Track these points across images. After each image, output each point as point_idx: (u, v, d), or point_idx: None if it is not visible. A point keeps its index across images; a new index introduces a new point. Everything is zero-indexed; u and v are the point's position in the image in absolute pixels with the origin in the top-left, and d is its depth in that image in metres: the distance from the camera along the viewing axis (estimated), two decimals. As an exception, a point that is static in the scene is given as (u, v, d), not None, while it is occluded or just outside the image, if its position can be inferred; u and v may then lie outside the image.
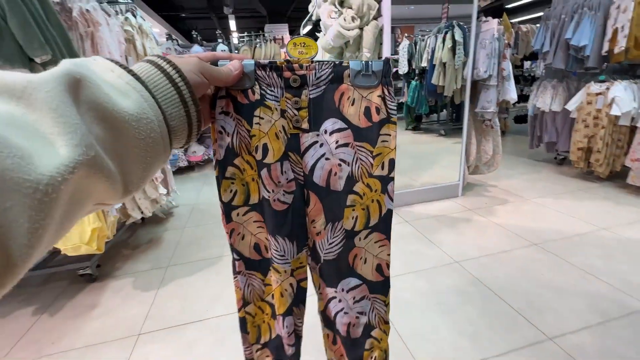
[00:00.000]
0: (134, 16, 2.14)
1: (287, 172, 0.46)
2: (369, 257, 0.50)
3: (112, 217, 1.64)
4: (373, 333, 0.54)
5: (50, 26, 1.29)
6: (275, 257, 0.48)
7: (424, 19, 4.39)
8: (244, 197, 0.47)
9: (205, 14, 8.98)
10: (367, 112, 0.44)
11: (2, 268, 0.18)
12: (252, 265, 0.51)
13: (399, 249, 1.91)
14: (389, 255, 0.50)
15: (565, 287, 1.49)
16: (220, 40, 3.86)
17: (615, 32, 2.46)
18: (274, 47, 4.17)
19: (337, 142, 0.45)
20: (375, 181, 0.46)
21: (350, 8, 2.05)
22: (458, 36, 2.79)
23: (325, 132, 0.45)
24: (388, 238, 0.49)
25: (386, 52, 2.16)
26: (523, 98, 5.18)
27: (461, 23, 2.66)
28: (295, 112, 0.44)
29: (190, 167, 4.34)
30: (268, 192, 0.46)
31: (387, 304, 0.54)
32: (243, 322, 0.54)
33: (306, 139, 0.45)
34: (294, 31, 10.86)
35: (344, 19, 2.03)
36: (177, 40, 3.79)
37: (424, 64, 4.24)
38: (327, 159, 0.45)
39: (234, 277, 0.52)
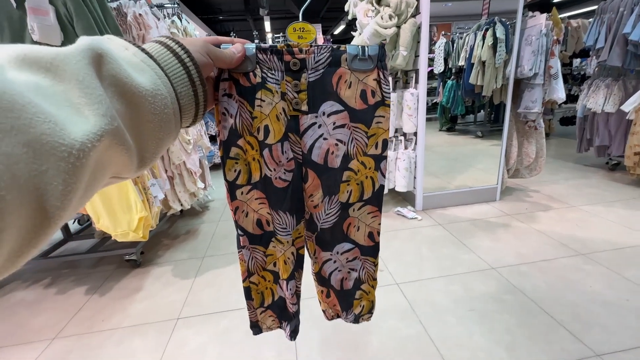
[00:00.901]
0: (180, 19, 2.27)
1: (287, 151, 0.48)
2: (361, 225, 0.55)
3: (156, 208, 1.75)
4: (362, 287, 0.61)
5: (109, 29, 1.41)
6: (278, 230, 0.53)
7: (462, 16, 4.21)
8: (247, 176, 0.50)
9: (241, 16, 9.26)
10: (364, 95, 0.47)
11: (39, 228, 0.18)
12: (255, 239, 0.55)
13: (431, 251, 1.86)
14: (379, 224, 0.56)
15: (616, 302, 1.38)
16: (256, 40, 3.98)
17: (683, 25, 2.22)
18: (308, 47, 4.22)
19: (334, 123, 0.48)
20: (369, 159, 0.50)
21: (388, 6, 2.03)
22: (500, 33, 2.66)
23: (323, 114, 0.47)
24: (380, 210, 0.55)
25: (424, 50, 2.11)
26: (571, 98, 4.83)
27: (503, 19, 2.54)
28: (295, 94, 0.46)
29: (225, 164, 4.49)
30: (270, 170, 0.49)
31: (375, 265, 0.60)
32: (248, 291, 0.59)
33: (305, 120, 0.47)
34: (327, 31, 10.90)
35: (381, 17, 2.01)
36: (216, 42, 3.94)
37: (462, 62, 4.09)
38: (324, 139, 0.48)
39: (239, 251, 0.56)
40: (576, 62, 5.14)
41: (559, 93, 2.28)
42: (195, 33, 2.47)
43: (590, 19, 3.04)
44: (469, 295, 1.48)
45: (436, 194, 2.46)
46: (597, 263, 1.65)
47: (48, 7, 1.20)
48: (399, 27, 2.05)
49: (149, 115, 0.27)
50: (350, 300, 0.62)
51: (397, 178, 2.39)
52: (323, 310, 0.67)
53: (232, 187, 0.50)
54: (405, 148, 2.39)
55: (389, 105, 0.48)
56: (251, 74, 0.44)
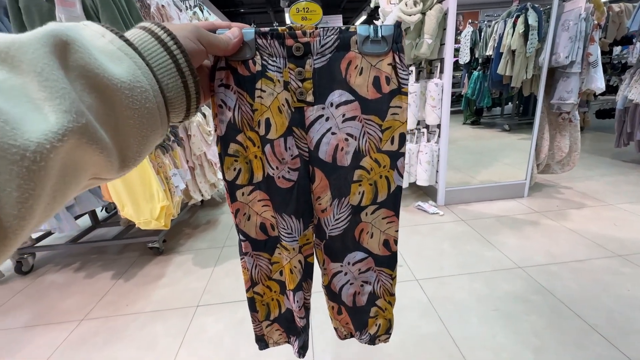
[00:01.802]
0: (202, 11, 2.28)
1: (291, 148, 0.43)
2: (375, 232, 0.48)
3: (178, 198, 1.79)
4: (378, 302, 0.54)
5: (133, 21, 1.42)
6: (283, 235, 0.47)
7: (490, 4, 4.02)
8: (248, 176, 0.45)
9: (262, 9, 9.27)
10: (377, 82, 0.40)
11: None
12: (258, 245, 0.50)
13: (452, 247, 1.80)
14: (397, 231, 0.49)
15: (658, 308, 1.28)
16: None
17: None
18: (328, 38, 4.16)
19: (343, 115, 0.42)
20: (384, 156, 0.44)
21: (413, -8, 1.94)
22: (532, 20, 2.50)
23: (331, 105, 0.41)
24: (397, 215, 0.48)
25: (450, 38, 2.02)
26: (609, 89, 4.51)
27: (536, 5, 2.38)
28: (299, 83, 0.40)
29: (244, 156, 4.55)
30: (272, 169, 0.44)
31: (393, 278, 0.53)
32: (252, 302, 0.54)
33: (311, 112, 0.42)
34: (348, 22, 10.74)
35: (405, 4, 1.93)
36: (237, 34, 3.96)
37: (489, 52, 3.90)
38: (333, 133, 0.42)
39: (241, 259, 0.51)
40: (616, 50, 4.78)
41: (598, 82, 2.12)
42: (216, 24, 2.48)
43: (635, 3, 2.80)
44: (492, 294, 1.42)
45: (459, 188, 2.37)
46: (636, 265, 1.54)
47: (75, -1, 1.23)
48: (423, 13, 1.97)
49: (126, 110, 0.24)
50: (364, 318, 0.56)
51: (418, 172, 2.32)
52: (335, 328, 0.60)
53: (231, 188, 0.45)
54: (428, 141, 2.31)
55: (406, 94, 0.41)
56: (250, 61, 0.39)
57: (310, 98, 0.41)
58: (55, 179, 0.19)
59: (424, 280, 1.54)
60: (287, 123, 0.42)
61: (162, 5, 1.74)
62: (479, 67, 4.35)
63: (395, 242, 0.50)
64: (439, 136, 2.25)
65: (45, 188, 0.18)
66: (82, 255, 2.07)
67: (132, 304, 1.55)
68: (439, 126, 2.23)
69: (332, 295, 0.55)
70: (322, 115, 0.42)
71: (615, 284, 1.43)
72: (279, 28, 0.39)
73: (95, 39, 0.24)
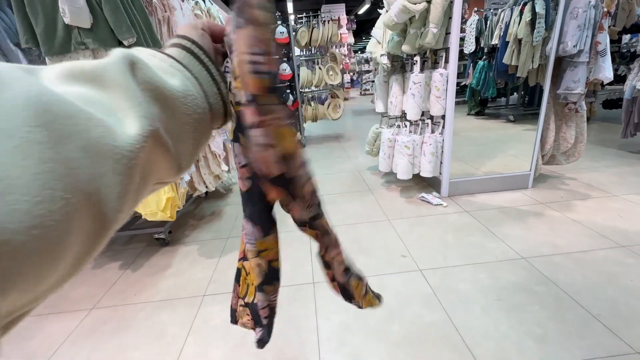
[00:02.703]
0: (204, 1, 2.25)
1: (238, 155, 0.38)
2: None
3: (182, 189, 1.80)
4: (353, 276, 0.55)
5: (135, 11, 1.41)
6: (245, 234, 0.44)
7: (497, -9, 3.94)
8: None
9: (264, -2, 9.13)
10: None
11: (99, 231, 0.19)
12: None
13: (456, 238, 1.81)
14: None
15: (661, 298, 1.29)
16: (279, 22, 3.91)
17: None
18: (332, 28, 4.09)
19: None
20: None
21: (418, -20, 1.91)
22: (539, 8, 2.45)
23: None
24: None
25: (455, 27, 1.98)
26: (616, 79, 4.43)
27: (544, -8, 2.33)
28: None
29: (247, 148, 4.56)
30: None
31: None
32: (238, 273, 0.52)
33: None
34: (350, 11, 10.55)
35: (411, -8, 1.89)
36: (238, 24, 3.92)
37: (495, 41, 3.83)
38: None
39: (242, 231, 0.48)
40: (625, 38, 4.69)
41: (606, 72, 2.08)
42: (219, 15, 2.45)
43: (647, -11, 2.72)
44: (496, 285, 1.43)
45: (463, 180, 2.37)
46: (640, 256, 1.54)
47: (77, -10, 1.22)
48: (429, 2, 1.93)
49: (183, 116, 0.28)
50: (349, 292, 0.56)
51: (422, 163, 2.32)
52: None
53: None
54: (432, 132, 2.30)
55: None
56: None
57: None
58: (140, 177, 0.22)
59: (427, 270, 1.56)
60: (234, 127, 0.37)
61: (164, -5, 1.73)
62: (484, 57, 4.29)
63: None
64: (443, 127, 2.24)
65: (135, 185, 0.21)
66: (90, 246, 2.10)
67: (139, 293, 1.58)
68: (443, 117, 2.22)
69: (327, 264, 0.54)
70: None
71: (619, 274, 1.43)
72: None
73: (149, 59, 0.28)
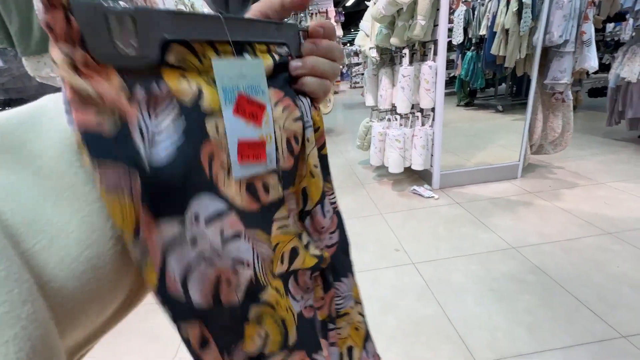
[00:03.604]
0: (187, -5, 2.18)
1: None
2: None
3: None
4: None
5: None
6: None
7: (484, -19, 3.93)
8: None
9: (249, -10, 8.96)
10: None
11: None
12: None
13: (448, 231, 1.83)
14: None
15: (645, 283, 1.33)
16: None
17: None
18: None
19: None
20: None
21: (405, -29, 1.89)
22: (527, -3, 2.46)
23: None
24: None
25: (443, 19, 1.98)
26: (602, 67, 4.51)
27: (531, -18, 2.33)
28: None
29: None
30: None
31: None
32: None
33: None
34: (339, 3, 10.44)
35: (398, -16, 1.87)
36: (224, 18, 3.84)
37: (483, 31, 3.84)
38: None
39: None
40: (609, 27, 4.76)
41: (591, 61, 2.11)
42: (204, 10, 2.39)
43: (630, -23, 2.75)
44: (488, 276, 1.45)
45: (454, 172, 2.39)
46: (626, 242, 1.58)
47: (52, -14, 1.17)
48: (417, -6, 1.92)
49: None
50: None
51: (413, 156, 2.32)
52: None
53: None
54: (422, 125, 2.30)
55: None
56: None
57: None
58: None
59: (420, 263, 1.57)
60: None
61: (145, -9, 1.67)
62: (472, 48, 4.30)
63: None
64: (433, 119, 2.24)
65: None
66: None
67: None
68: (433, 109, 2.22)
69: None
70: None
71: (605, 261, 1.47)
72: None
73: None
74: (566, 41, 2.06)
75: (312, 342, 0.30)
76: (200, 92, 0.20)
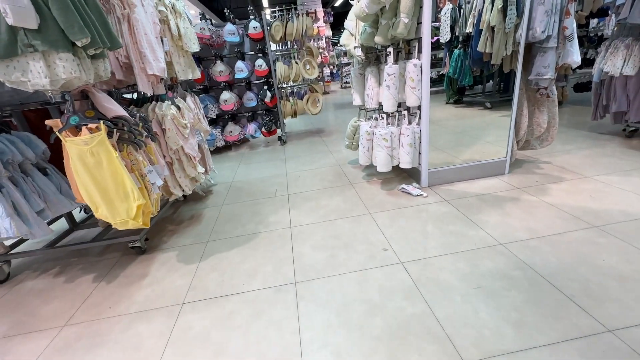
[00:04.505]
0: (167, -4, 2.15)
1: None
2: None
3: (156, 195, 1.73)
4: None
5: (88, 9, 1.32)
6: None
7: (470, -21, 3.95)
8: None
9: (237, -8, 8.89)
10: None
11: None
12: None
13: (436, 228, 1.82)
14: None
15: (631, 275, 1.33)
16: (252, 17, 3.80)
17: None
18: (306, 21, 4.02)
19: None
20: None
21: (387, -31, 1.88)
22: (510, -6, 2.47)
23: None
24: None
25: (426, 16, 1.97)
26: (586, 62, 4.56)
27: (514, -22, 2.34)
28: None
29: (228, 147, 4.46)
30: None
31: None
32: None
33: None
34: (327, 3, 10.43)
35: (380, -18, 1.86)
36: (210, 20, 3.79)
37: (469, 29, 3.86)
38: None
39: None
40: (593, 22, 4.82)
41: (574, 56, 2.12)
42: (184, 11, 2.35)
43: (610, -27, 2.78)
44: (475, 273, 1.44)
45: (442, 169, 2.38)
46: (611, 235, 1.59)
47: (20, -12, 1.13)
48: (399, -9, 1.91)
49: None
50: None
51: (401, 155, 2.31)
52: None
53: None
54: (409, 123, 2.30)
55: None
56: None
57: None
58: None
59: (408, 262, 1.56)
60: None
61: (122, -8, 1.63)
62: (459, 45, 4.32)
63: None
64: (420, 117, 2.24)
65: None
66: (61, 259, 2.01)
67: (115, 306, 1.51)
68: (419, 107, 2.22)
69: None
70: None
71: (591, 254, 1.47)
72: None
73: None
74: (549, 37, 2.07)
75: None
76: None
